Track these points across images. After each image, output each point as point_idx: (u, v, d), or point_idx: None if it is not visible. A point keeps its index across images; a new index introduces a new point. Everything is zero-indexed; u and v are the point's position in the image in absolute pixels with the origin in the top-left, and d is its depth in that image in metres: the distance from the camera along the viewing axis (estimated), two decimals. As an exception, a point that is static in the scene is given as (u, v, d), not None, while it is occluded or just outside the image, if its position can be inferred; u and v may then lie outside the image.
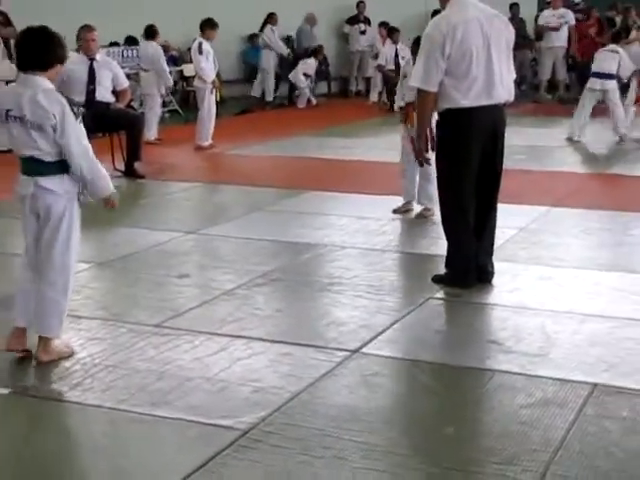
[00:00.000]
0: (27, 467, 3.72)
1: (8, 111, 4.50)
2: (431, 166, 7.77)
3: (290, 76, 18.27)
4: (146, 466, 3.69)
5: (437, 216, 7.71)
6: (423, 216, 7.93)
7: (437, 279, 5.99)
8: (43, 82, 4.52)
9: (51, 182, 4.54)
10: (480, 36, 5.63)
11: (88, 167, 4.52)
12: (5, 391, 4.39)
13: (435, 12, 19.64)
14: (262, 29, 18.39)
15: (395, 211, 8.06)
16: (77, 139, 4.48)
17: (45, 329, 4.70)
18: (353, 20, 20.16)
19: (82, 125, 4.55)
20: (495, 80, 5.67)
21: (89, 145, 4.57)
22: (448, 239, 5.99)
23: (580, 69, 17.57)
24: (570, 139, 12.48)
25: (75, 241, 4.68)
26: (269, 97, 18.37)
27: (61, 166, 4.54)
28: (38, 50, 4.51)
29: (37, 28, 4.61)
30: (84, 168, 4.51)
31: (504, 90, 5.75)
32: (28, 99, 4.45)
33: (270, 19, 18.42)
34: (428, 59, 5.62)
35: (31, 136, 4.48)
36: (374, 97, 18.36)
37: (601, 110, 12.77)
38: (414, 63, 7.83)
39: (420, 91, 5.72)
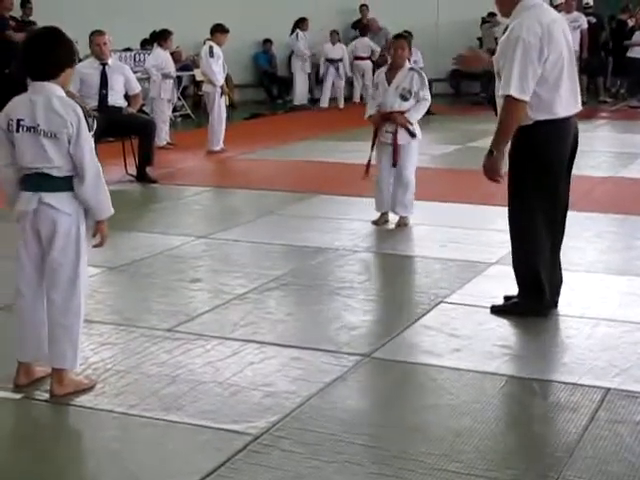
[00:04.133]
0: (38, 472, 3.72)
1: (19, 121, 4.23)
2: (411, 175, 7.76)
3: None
4: (157, 471, 3.69)
5: (432, 224, 7.71)
6: (401, 225, 7.77)
7: (502, 309, 5.55)
8: (56, 89, 4.28)
9: (57, 199, 4.25)
10: (563, 37, 5.28)
11: (95, 184, 4.25)
12: (17, 396, 4.39)
13: (484, 20, 19.17)
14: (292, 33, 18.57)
15: (375, 223, 7.85)
16: (90, 153, 4.22)
17: (58, 360, 4.36)
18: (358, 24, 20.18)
19: (93, 139, 4.30)
20: (577, 85, 5.37)
21: (98, 162, 4.29)
22: (524, 260, 5.46)
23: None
24: None
25: (84, 264, 4.38)
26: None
27: (70, 183, 4.26)
28: (44, 58, 4.25)
29: (41, 33, 4.39)
30: (91, 185, 4.23)
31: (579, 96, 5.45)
32: (42, 107, 4.20)
33: (301, 24, 18.49)
34: (524, 64, 5.07)
35: (43, 147, 4.19)
36: None
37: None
38: (391, 55, 7.68)
39: (511, 100, 5.12)
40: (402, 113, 7.65)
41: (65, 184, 4.26)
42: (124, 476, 3.66)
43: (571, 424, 4.04)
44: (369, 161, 7.88)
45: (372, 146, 7.86)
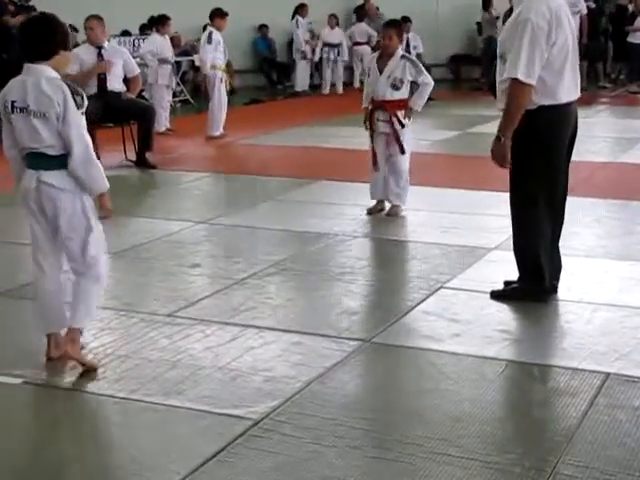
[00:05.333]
0: (40, 457, 3.73)
1: (13, 102, 4.35)
2: (403, 163, 7.69)
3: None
4: (158, 456, 3.69)
5: (432, 209, 7.71)
6: (391, 215, 7.66)
7: (502, 294, 5.55)
8: (46, 70, 4.35)
9: (55, 177, 4.36)
10: (568, 22, 5.24)
11: (85, 159, 4.32)
12: (17, 381, 4.40)
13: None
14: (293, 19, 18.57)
15: (370, 212, 7.74)
16: (77, 129, 4.30)
17: (72, 319, 4.50)
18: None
19: (84, 116, 4.37)
20: (577, 72, 5.32)
21: (89, 138, 4.37)
22: (525, 244, 5.44)
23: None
24: None
25: (98, 233, 4.51)
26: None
27: (66, 160, 4.34)
28: (38, 40, 4.35)
29: (36, 17, 4.53)
30: (80, 159, 4.30)
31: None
32: (32, 88, 4.30)
33: (300, 10, 18.45)
34: (532, 48, 5.02)
35: (35, 128, 4.30)
36: None
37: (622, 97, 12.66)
38: (380, 43, 7.53)
39: (518, 84, 5.06)
40: (393, 102, 7.55)
41: (61, 162, 4.36)
42: (125, 461, 3.67)
43: (571, 409, 4.05)
44: (374, 152, 7.76)
45: (371, 137, 7.74)
